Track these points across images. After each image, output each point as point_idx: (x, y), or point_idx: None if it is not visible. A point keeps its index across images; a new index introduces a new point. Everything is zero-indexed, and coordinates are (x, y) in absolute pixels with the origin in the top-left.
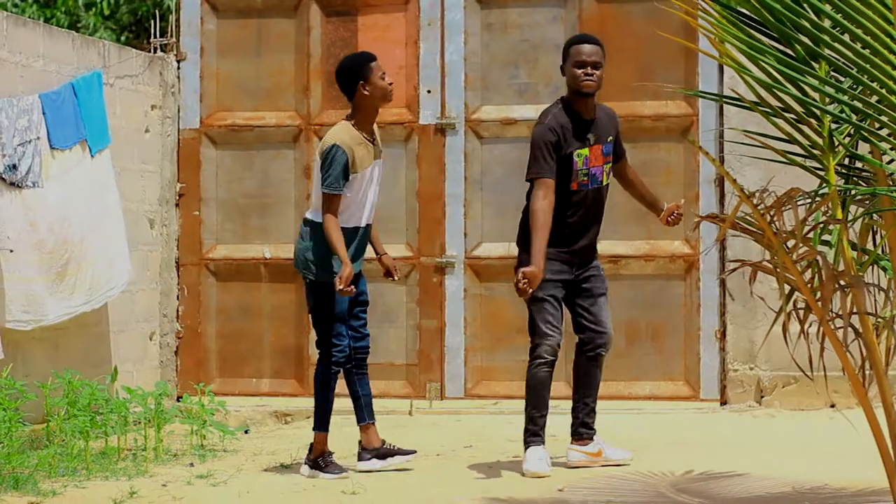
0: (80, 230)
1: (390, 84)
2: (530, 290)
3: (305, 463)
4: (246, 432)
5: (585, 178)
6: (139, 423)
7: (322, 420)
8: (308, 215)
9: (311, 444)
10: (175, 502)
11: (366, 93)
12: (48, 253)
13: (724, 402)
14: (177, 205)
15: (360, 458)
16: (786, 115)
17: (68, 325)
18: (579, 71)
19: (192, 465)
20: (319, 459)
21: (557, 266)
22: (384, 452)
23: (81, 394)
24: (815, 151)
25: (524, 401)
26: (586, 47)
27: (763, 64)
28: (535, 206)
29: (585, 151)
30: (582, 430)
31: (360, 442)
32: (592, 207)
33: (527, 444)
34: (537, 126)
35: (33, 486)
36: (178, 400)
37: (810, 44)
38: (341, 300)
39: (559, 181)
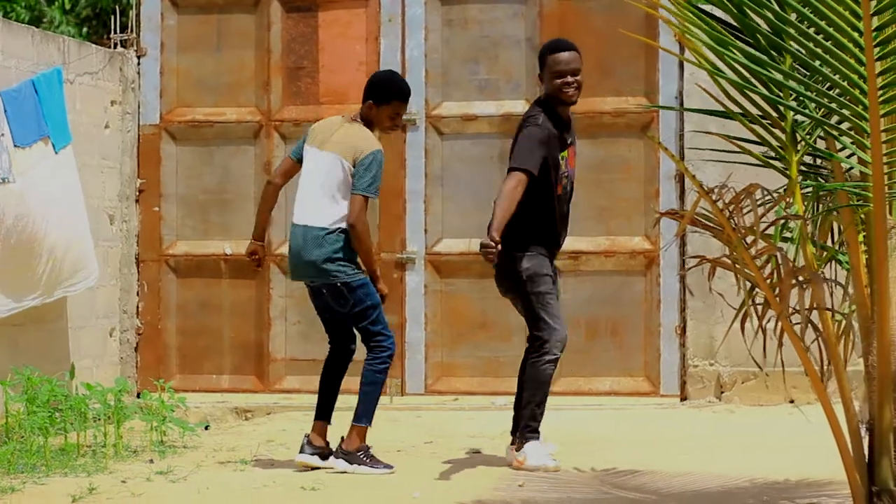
0: (44, 226)
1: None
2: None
3: (338, 457)
4: (206, 429)
5: (566, 180)
6: (99, 419)
7: (371, 414)
8: (318, 223)
9: (345, 438)
10: (134, 499)
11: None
12: (10, 248)
13: (683, 398)
14: (137, 201)
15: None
16: (748, 112)
17: (26, 321)
18: (559, 81)
19: (151, 461)
20: (361, 454)
21: (547, 262)
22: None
23: (41, 390)
24: (776, 146)
25: (524, 397)
26: (564, 55)
27: (726, 58)
28: (508, 191)
29: (566, 153)
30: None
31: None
32: (568, 206)
33: (527, 439)
34: (532, 126)
35: None
36: (137, 396)
37: (773, 36)
38: (374, 292)
39: (547, 185)
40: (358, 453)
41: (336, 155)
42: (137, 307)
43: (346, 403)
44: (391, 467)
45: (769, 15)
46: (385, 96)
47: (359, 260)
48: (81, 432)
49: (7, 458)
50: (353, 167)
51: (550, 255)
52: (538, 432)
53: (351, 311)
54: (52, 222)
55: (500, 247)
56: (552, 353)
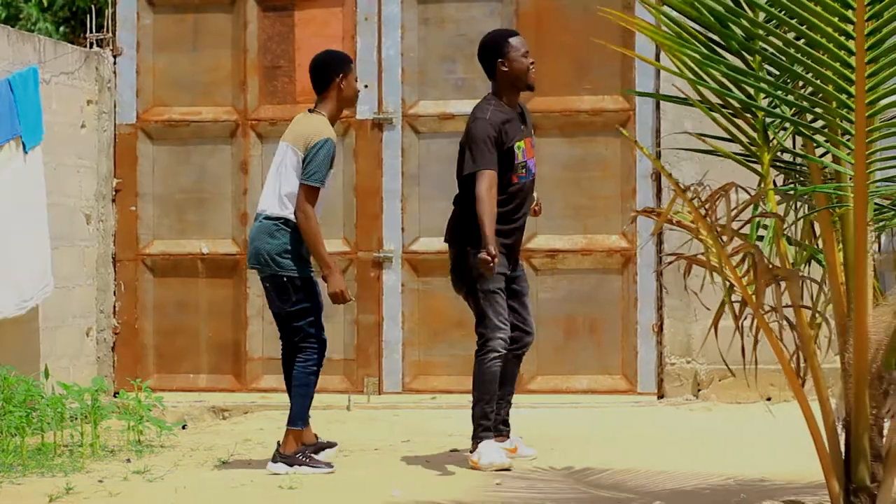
0: (7, 228)
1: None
2: (494, 270)
3: (276, 461)
4: (183, 428)
5: (524, 171)
6: (76, 419)
7: (306, 416)
8: (273, 213)
9: (281, 443)
10: (111, 498)
11: (505, 69)
12: None
13: (661, 396)
14: (113, 200)
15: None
16: (722, 110)
17: (3, 320)
18: (528, 62)
19: (128, 460)
20: (299, 455)
21: (502, 259)
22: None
23: (17, 390)
24: (749, 146)
25: (471, 395)
26: (520, 38)
27: (689, 55)
28: (484, 194)
29: (522, 143)
30: (502, 426)
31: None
32: (527, 199)
33: (480, 438)
34: (477, 121)
35: None
36: (114, 396)
37: (742, 36)
38: (319, 295)
39: (501, 175)
40: (297, 455)
41: (289, 144)
42: (114, 307)
43: (321, 402)
44: (332, 466)
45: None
46: (324, 73)
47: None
48: (58, 432)
49: None
50: (305, 157)
51: (508, 251)
52: (490, 430)
53: (290, 308)
54: (17, 224)
55: (496, 259)
56: (496, 349)
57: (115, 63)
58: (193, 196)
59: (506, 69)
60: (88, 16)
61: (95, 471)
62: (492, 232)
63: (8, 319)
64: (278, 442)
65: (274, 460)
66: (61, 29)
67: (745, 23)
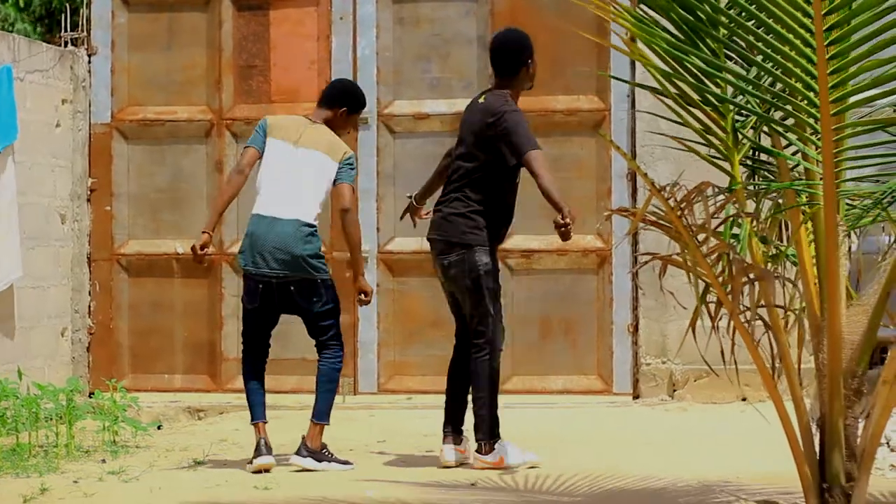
0: None
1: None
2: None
3: (305, 455)
4: (159, 428)
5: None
6: (51, 419)
7: (330, 412)
8: (307, 218)
9: (308, 437)
10: (86, 499)
11: (529, 70)
12: None
13: (636, 396)
14: (88, 200)
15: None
16: (689, 107)
17: None
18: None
19: (104, 461)
20: (325, 451)
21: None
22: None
23: None
24: (718, 145)
25: (472, 395)
26: None
27: (661, 52)
28: (546, 170)
29: None
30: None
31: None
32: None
33: (496, 437)
34: (513, 113)
35: None
36: (90, 396)
37: (707, 28)
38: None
39: (515, 176)
40: (323, 451)
41: (324, 155)
42: (89, 307)
43: (297, 402)
44: (351, 464)
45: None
46: (358, 106)
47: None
48: (33, 432)
49: None
50: (337, 165)
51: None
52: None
53: (321, 309)
54: None
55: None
56: (499, 348)
57: (89, 62)
58: (168, 196)
59: (530, 70)
60: (63, 15)
61: (70, 471)
62: (561, 195)
63: None
64: (303, 436)
65: (301, 454)
66: (38, 28)
67: (708, 9)
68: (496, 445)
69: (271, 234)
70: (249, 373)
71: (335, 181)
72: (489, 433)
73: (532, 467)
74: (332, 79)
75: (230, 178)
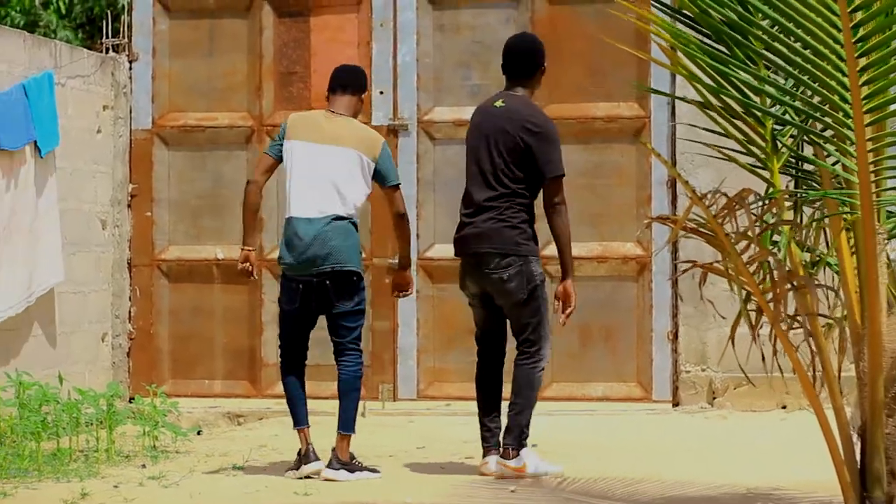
0: (16, 231)
1: None
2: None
3: (337, 468)
4: (198, 433)
5: None
6: (91, 424)
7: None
8: (343, 212)
9: (337, 449)
10: None
11: (541, 75)
12: None
13: (676, 404)
14: (129, 205)
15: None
16: (731, 117)
17: (19, 325)
18: None
19: (144, 466)
20: (355, 461)
21: None
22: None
23: (33, 395)
24: (758, 154)
25: (513, 401)
26: None
27: (704, 65)
28: (566, 219)
29: None
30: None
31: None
32: None
33: (524, 445)
34: (550, 123)
35: None
36: (130, 401)
37: (745, 42)
38: None
39: (542, 182)
40: (353, 461)
41: (354, 150)
42: (129, 312)
43: (336, 409)
44: (378, 472)
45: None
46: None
47: None
48: (74, 437)
49: None
50: (375, 162)
51: None
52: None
53: (351, 308)
54: (27, 225)
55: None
56: (546, 359)
57: (130, 68)
58: (209, 202)
59: (542, 75)
60: (104, 21)
61: (111, 476)
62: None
63: (28, 324)
64: (333, 449)
65: (333, 467)
66: (79, 35)
67: (754, 29)
68: (521, 452)
69: (309, 233)
70: (289, 377)
71: (384, 183)
72: (518, 440)
73: (558, 477)
74: (373, 86)
75: (246, 190)
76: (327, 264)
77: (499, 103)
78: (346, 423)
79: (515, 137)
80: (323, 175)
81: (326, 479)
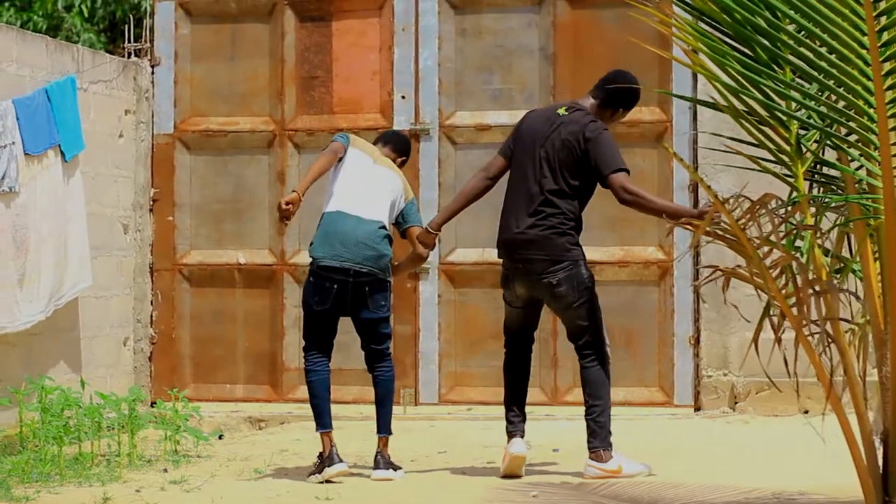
0: (45, 236)
1: None
2: None
3: (389, 468)
4: (220, 438)
5: None
6: (113, 428)
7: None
8: (386, 223)
9: (383, 450)
10: None
11: (614, 117)
12: (12, 258)
13: (697, 408)
14: (151, 210)
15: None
16: (754, 120)
17: (42, 330)
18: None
19: (165, 470)
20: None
21: None
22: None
23: (55, 399)
24: (783, 158)
25: (590, 402)
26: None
27: (730, 69)
28: (652, 202)
29: None
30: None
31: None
32: None
33: (609, 445)
34: (606, 130)
35: (6, 492)
36: (151, 405)
37: (772, 47)
38: None
39: (594, 188)
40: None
41: (400, 183)
42: (151, 316)
43: (358, 413)
44: (402, 468)
45: (764, 25)
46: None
47: None
48: (95, 441)
49: (21, 467)
50: (407, 202)
51: None
52: None
53: (385, 314)
54: (51, 231)
55: None
56: (609, 357)
57: (152, 73)
58: (230, 206)
59: (616, 114)
60: (127, 26)
61: (132, 480)
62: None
63: (51, 328)
64: (378, 451)
65: (385, 468)
66: (101, 39)
67: (781, 35)
68: (613, 454)
69: (359, 230)
70: (316, 378)
71: (409, 221)
72: (606, 440)
73: (649, 475)
74: (394, 90)
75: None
76: (368, 266)
77: (562, 111)
78: (388, 425)
79: (572, 144)
80: (380, 185)
81: (382, 480)
